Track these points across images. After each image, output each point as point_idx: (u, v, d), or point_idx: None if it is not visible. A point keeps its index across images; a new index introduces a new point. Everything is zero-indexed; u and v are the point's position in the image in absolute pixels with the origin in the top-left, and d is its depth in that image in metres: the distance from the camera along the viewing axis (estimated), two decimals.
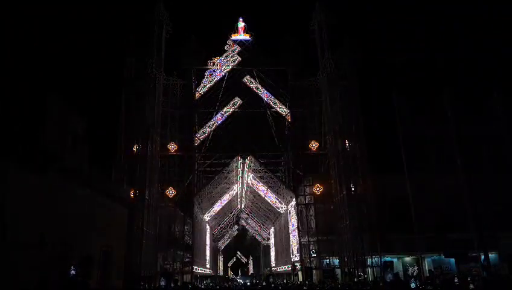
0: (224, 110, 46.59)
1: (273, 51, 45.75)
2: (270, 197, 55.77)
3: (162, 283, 34.51)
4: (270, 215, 64.25)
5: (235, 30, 47.14)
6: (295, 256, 47.85)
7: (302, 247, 41.66)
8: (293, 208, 47.96)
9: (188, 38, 43.78)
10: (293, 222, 49.15)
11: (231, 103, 47.02)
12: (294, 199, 44.42)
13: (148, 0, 43.50)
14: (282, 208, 54.17)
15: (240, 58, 46.11)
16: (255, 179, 54.56)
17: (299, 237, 41.93)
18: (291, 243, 50.51)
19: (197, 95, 44.85)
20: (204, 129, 45.90)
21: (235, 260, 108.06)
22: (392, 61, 37.16)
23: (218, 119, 46.47)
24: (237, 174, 54.00)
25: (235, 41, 46.60)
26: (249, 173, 53.46)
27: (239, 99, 46.75)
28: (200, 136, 45.34)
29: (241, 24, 47.35)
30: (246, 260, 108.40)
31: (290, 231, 50.84)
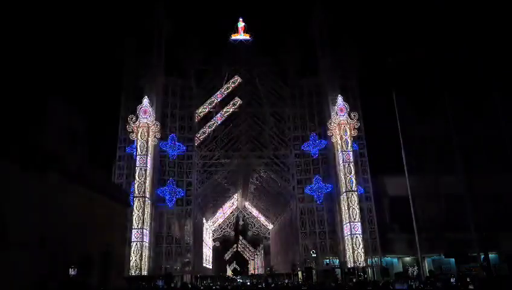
0: (224, 110, 46.73)
1: (273, 51, 45.74)
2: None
3: (160, 283, 34.59)
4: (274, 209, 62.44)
5: (235, 30, 47.13)
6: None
7: (302, 247, 41.63)
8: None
9: (188, 39, 43.70)
10: None
11: (231, 103, 47.05)
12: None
13: (149, 1, 43.33)
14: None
15: None
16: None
17: (299, 237, 41.88)
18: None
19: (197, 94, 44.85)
20: (204, 129, 45.99)
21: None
22: (392, 61, 37.04)
23: (218, 119, 46.54)
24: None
25: (235, 41, 46.61)
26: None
27: (239, 100, 46.81)
28: (200, 136, 45.42)
29: (241, 24, 47.34)
30: (249, 255, 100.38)
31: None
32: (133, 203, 35.48)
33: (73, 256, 22.45)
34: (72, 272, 22.28)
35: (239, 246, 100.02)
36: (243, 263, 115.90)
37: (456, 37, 35.94)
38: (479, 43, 34.27)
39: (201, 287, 43.54)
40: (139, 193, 35.85)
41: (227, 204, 65.69)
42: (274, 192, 52.50)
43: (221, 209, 63.44)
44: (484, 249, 29.78)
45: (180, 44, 43.15)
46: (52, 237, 19.95)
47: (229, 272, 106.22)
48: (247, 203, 69.21)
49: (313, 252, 40.07)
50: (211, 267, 61.57)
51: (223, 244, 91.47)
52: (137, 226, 35.19)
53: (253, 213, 72.23)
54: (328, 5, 43.49)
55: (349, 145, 38.49)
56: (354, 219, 36.45)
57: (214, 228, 71.97)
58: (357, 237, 36.13)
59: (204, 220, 53.13)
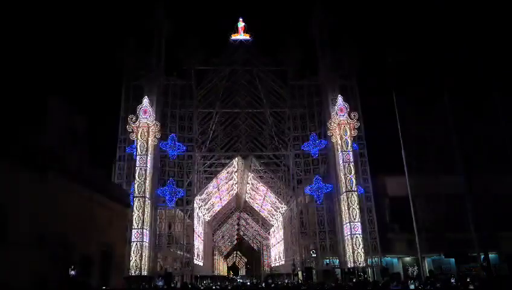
0: None
1: (273, 50, 45.67)
2: (270, 197, 55.36)
3: (160, 283, 34.60)
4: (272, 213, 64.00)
5: (235, 30, 47.08)
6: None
7: (302, 247, 41.65)
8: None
9: (188, 39, 43.64)
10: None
11: None
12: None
13: (149, 1, 43.36)
14: (282, 208, 54.12)
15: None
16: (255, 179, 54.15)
17: (299, 237, 41.94)
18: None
19: (197, 94, 44.76)
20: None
21: (234, 255, 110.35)
22: (392, 61, 37.08)
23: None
24: (238, 175, 53.93)
25: (235, 41, 46.54)
26: (249, 173, 53.27)
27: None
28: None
29: (241, 24, 47.27)
30: (246, 260, 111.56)
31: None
32: (133, 203, 35.48)
33: (73, 256, 22.46)
34: (72, 272, 22.30)
35: (241, 244, 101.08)
36: (244, 262, 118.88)
37: (456, 37, 35.93)
38: (479, 43, 34.26)
39: (201, 287, 43.57)
40: (139, 193, 35.84)
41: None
42: (274, 192, 52.62)
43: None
44: (484, 249, 29.75)
45: (180, 44, 43.13)
46: (52, 237, 19.96)
47: (226, 271, 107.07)
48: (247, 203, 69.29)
49: (313, 252, 40.07)
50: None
51: (223, 243, 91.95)
52: (137, 226, 35.17)
53: (254, 211, 72.32)
54: (328, 5, 43.51)
55: (349, 145, 38.46)
56: (354, 219, 36.43)
57: (213, 223, 71.67)
58: (357, 237, 36.11)
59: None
